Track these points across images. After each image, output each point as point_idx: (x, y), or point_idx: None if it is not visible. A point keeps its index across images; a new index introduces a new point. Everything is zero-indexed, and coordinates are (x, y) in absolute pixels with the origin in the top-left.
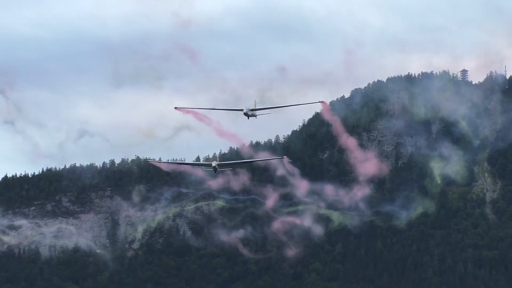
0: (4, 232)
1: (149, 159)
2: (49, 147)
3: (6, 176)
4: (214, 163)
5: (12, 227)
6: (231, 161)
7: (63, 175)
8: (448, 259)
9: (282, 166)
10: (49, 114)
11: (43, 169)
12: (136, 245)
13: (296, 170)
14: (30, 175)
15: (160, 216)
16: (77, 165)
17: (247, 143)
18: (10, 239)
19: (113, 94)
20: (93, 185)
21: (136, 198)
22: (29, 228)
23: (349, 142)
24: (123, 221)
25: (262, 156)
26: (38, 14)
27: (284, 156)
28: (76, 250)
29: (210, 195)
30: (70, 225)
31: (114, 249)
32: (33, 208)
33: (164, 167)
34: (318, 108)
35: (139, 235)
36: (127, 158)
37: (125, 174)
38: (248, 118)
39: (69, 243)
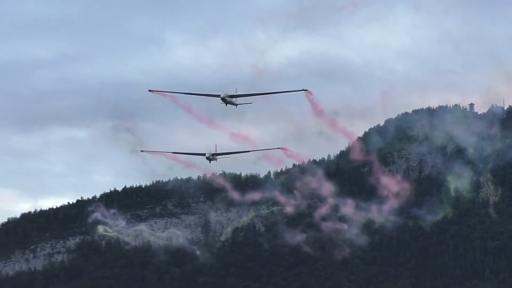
0: (125, 228)
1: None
2: (158, 166)
3: (125, 187)
4: (207, 154)
5: (130, 225)
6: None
7: (168, 186)
8: (460, 248)
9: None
10: (158, 141)
11: (153, 181)
12: (223, 238)
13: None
14: (143, 186)
15: (241, 217)
16: (178, 178)
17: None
18: (129, 234)
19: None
20: (191, 193)
21: (222, 203)
22: (143, 225)
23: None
24: (213, 220)
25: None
26: (145, 64)
27: (280, 147)
28: (178, 242)
29: (278, 202)
30: (174, 223)
31: (206, 241)
32: (145, 210)
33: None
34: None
35: (226, 231)
36: (216, 172)
37: (214, 185)
38: (226, 105)
39: (173, 237)
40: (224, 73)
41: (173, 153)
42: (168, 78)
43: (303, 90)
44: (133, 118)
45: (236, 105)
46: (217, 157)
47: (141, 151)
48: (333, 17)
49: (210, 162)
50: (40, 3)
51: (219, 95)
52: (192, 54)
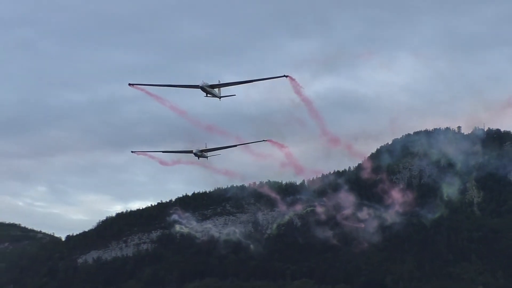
0: (194, 225)
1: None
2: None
3: (194, 193)
4: (194, 150)
5: (198, 222)
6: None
7: (227, 191)
8: (452, 238)
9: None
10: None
11: (215, 188)
12: (269, 232)
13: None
14: (208, 192)
15: (282, 216)
16: (234, 185)
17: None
18: (197, 229)
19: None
20: (244, 197)
21: (268, 204)
22: (208, 223)
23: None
24: (261, 218)
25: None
26: (208, 100)
27: (266, 139)
28: (234, 235)
29: (311, 204)
30: (231, 221)
31: (256, 234)
32: (209, 211)
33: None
34: None
35: (271, 226)
36: (263, 181)
37: (262, 191)
38: (206, 95)
39: (230, 231)
40: (268, 105)
41: (162, 152)
42: (223, 110)
43: (285, 76)
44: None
45: (219, 97)
46: (206, 153)
47: (132, 151)
48: (352, 62)
49: (199, 159)
50: (129, 53)
51: (198, 85)
52: (243, 92)
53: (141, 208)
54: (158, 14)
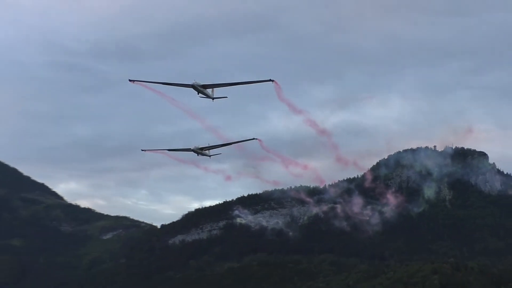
0: (250, 218)
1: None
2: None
3: (249, 194)
4: (192, 147)
5: (252, 215)
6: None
7: (272, 193)
8: (430, 224)
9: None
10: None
11: (263, 190)
12: (302, 222)
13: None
14: (258, 193)
15: (311, 211)
16: (277, 189)
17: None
18: (251, 220)
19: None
20: (283, 196)
21: (301, 202)
22: (258, 215)
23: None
24: (296, 212)
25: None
26: (261, 127)
27: (256, 138)
28: (277, 224)
29: (331, 202)
30: (275, 214)
31: (292, 223)
32: (259, 206)
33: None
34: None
35: (303, 218)
36: (297, 186)
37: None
38: (198, 94)
39: (275, 221)
40: (299, 134)
41: (168, 150)
42: (274, 136)
43: (270, 80)
44: (255, 160)
45: (212, 98)
46: (206, 151)
47: (142, 150)
48: (358, 102)
49: (198, 155)
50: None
51: (192, 83)
52: (284, 124)
53: (212, 205)
54: None
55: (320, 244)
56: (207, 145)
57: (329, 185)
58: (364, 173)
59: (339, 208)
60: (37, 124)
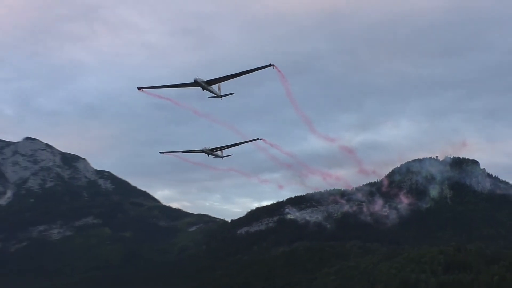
0: (297, 214)
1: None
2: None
3: (295, 196)
4: (203, 147)
5: (298, 212)
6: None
7: (314, 195)
8: (436, 217)
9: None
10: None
11: (306, 193)
12: (335, 216)
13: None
14: (302, 195)
15: (343, 208)
16: (316, 191)
17: (365, 183)
18: (298, 216)
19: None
20: (322, 197)
21: (334, 201)
22: (303, 212)
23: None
24: (330, 209)
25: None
26: (299, 144)
27: (261, 138)
28: (317, 219)
29: (358, 201)
30: (314, 211)
31: (328, 218)
32: (303, 205)
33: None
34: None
35: (337, 213)
36: (331, 189)
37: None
38: (203, 90)
39: (314, 217)
40: (331, 150)
41: (183, 152)
42: (313, 152)
43: (270, 65)
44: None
45: (220, 96)
46: (218, 152)
47: (160, 152)
48: (376, 125)
49: (208, 156)
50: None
51: (194, 80)
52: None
53: (268, 204)
54: None
55: (350, 233)
56: (216, 146)
57: (356, 188)
58: (382, 179)
59: (364, 206)
60: (140, 148)
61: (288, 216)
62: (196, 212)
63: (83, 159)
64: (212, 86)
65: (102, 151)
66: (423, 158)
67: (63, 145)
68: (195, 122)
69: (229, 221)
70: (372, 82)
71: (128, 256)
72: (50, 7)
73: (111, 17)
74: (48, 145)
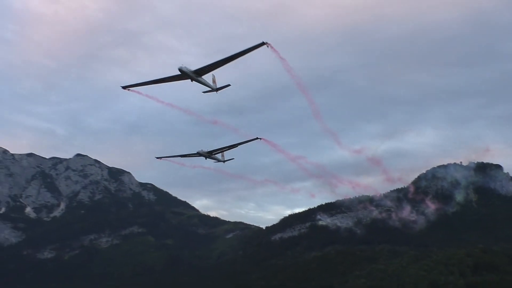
0: (328, 220)
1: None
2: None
3: (326, 202)
4: (199, 150)
5: (330, 218)
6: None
7: (343, 201)
8: (462, 219)
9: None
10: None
11: (336, 200)
12: (365, 221)
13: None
14: (331, 202)
15: (372, 214)
16: (346, 198)
17: (392, 189)
18: (329, 222)
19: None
20: (351, 203)
21: (364, 207)
22: (334, 218)
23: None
24: (360, 215)
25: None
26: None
27: (260, 138)
28: (347, 224)
29: (386, 207)
30: (344, 216)
31: (358, 223)
32: (334, 211)
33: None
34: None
35: (366, 219)
36: (360, 195)
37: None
38: (192, 81)
39: (346, 222)
40: (359, 159)
41: (181, 156)
42: (342, 162)
43: (263, 43)
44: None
45: (216, 90)
46: (217, 156)
47: (156, 157)
48: (400, 134)
49: (206, 159)
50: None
51: (179, 69)
52: (348, 153)
53: (300, 211)
54: None
55: (379, 237)
56: (214, 149)
57: (384, 194)
58: (409, 185)
59: (392, 211)
60: (182, 161)
61: (320, 222)
62: (232, 220)
63: (128, 172)
64: (202, 77)
65: (144, 165)
66: (448, 164)
67: (110, 160)
68: (229, 136)
69: (264, 228)
70: (395, 93)
71: (170, 262)
72: (96, 35)
73: (151, 42)
74: (96, 161)
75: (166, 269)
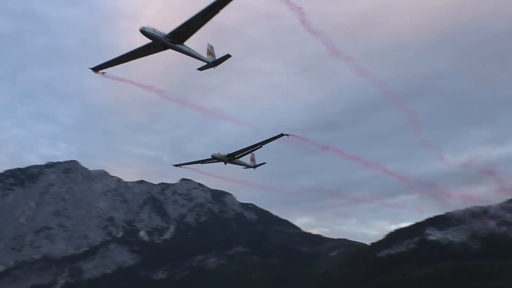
0: (438, 234)
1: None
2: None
3: (435, 215)
4: (217, 153)
5: (439, 231)
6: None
7: (453, 213)
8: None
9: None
10: None
11: (446, 212)
12: (479, 234)
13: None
14: (442, 214)
15: (488, 224)
16: (456, 209)
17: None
18: (439, 236)
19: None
20: (461, 217)
21: (476, 218)
22: (444, 232)
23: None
24: (475, 226)
25: None
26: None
27: (286, 134)
28: (462, 238)
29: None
30: (455, 230)
31: (472, 236)
32: (444, 224)
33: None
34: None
35: (482, 231)
36: (472, 206)
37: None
38: (225, 164)
39: (458, 236)
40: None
41: (198, 162)
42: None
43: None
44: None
45: (213, 65)
46: (238, 159)
47: (173, 165)
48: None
49: (225, 164)
50: None
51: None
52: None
53: (406, 226)
54: None
55: (498, 250)
56: (235, 151)
57: (500, 204)
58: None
59: (510, 221)
60: (278, 180)
61: (429, 237)
62: (335, 237)
63: (230, 194)
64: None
65: (245, 185)
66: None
67: (212, 183)
68: (324, 153)
69: (369, 244)
70: (503, 94)
71: (275, 280)
72: (192, 65)
73: (242, 66)
74: (200, 184)
75: (272, 287)
